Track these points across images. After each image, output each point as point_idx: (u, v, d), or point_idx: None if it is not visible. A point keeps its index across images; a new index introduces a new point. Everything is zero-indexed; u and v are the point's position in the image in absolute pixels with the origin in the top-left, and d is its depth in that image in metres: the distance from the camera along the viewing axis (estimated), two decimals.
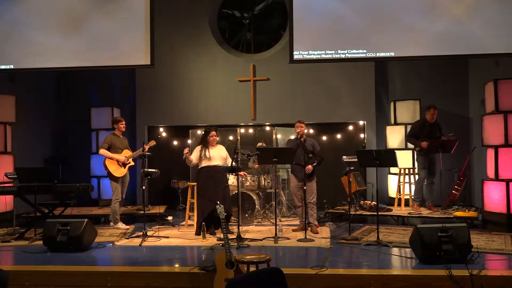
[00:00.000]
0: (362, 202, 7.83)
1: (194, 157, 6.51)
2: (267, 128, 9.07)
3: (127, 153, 7.06)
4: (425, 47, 7.04)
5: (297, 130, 6.52)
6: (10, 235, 6.38)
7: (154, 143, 7.02)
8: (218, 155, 6.49)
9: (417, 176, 7.84)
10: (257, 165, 7.79)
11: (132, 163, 7.11)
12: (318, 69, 8.85)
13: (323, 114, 9.10)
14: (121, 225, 6.95)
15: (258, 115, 9.27)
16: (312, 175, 6.49)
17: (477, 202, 8.19)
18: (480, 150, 7.74)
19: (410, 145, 8.06)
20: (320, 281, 4.30)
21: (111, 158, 6.90)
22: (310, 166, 6.34)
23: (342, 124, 9.32)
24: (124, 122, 7.21)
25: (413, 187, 7.94)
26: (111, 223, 7.00)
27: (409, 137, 7.81)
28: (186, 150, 6.36)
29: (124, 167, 7.00)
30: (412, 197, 7.82)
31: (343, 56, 7.24)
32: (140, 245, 5.82)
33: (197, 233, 6.32)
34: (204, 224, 6.09)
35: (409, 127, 8.10)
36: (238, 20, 10.43)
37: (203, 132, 6.69)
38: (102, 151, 6.94)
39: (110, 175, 6.96)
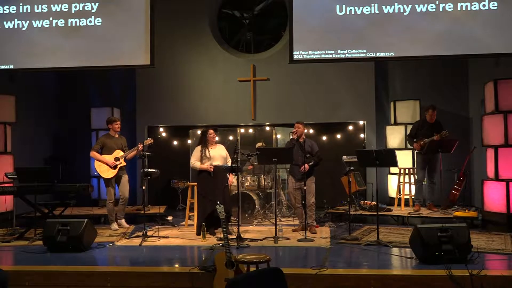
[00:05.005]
0: (362, 202, 7.83)
1: (195, 158, 6.51)
2: (267, 128, 9.07)
3: (118, 153, 6.90)
4: (425, 47, 7.02)
5: (293, 131, 6.53)
6: (10, 235, 6.38)
7: (151, 140, 6.92)
8: (218, 154, 6.50)
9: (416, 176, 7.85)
10: (251, 166, 7.82)
11: (124, 164, 6.92)
12: (318, 69, 8.84)
13: (323, 114, 9.09)
14: (114, 225, 6.87)
15: (258, 115, 9.26)
16: (310, 174, 6.49)
17: (477, 202, 8.19)
18: (480, 150, 7.73)
19: (410, 145, 8.06)
20: (320, 281, 4.30)
21: (99, 161, 6.84)
22: (306, 165, 6.34)
23: (342, 124, 9.32)
24: (118, 122, 7.09)
25: (413, 187, 7.94)
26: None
27: (408, 137, 7.89)
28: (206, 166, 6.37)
29: (114, 169, 6.83)
30: (413, 198, 7.83)
31: (343, 56, 7.23)
32: (140, 245, 5.82)
33: (198, 233, 6.32)
34: (204, 224, 6.09)
35: (409, 127, 8.11)
36: (238, 20, 10.43)
37: (200, 134, 6.68)
38: (92, 153, 6.90)
39: (101, 177, 6.94)
